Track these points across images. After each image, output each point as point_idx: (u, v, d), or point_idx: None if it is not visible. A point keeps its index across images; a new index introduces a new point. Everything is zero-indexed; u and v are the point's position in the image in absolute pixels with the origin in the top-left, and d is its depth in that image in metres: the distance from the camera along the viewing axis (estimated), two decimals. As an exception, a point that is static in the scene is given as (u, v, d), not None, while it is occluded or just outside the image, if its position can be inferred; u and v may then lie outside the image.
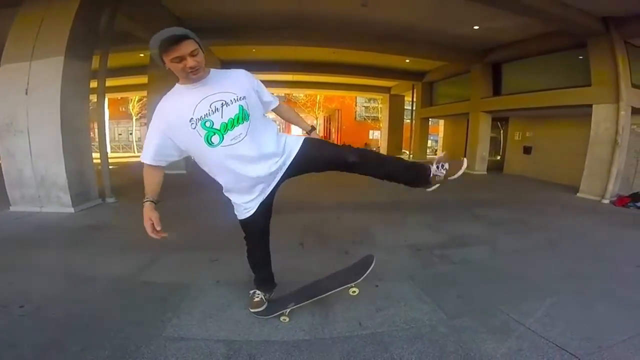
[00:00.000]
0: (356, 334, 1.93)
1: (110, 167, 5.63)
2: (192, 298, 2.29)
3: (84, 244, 3.40)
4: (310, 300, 2.04)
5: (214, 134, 1.57)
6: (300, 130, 2.11)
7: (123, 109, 26.75)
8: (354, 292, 1.99)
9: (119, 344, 1.76)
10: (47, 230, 3.86)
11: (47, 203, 4.56)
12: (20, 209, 4.54)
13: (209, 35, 9.18)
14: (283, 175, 1.79)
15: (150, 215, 1.65)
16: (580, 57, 7.35)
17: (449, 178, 1.83)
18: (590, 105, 6.83)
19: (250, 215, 1.81)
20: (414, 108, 16.28)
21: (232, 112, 1.58)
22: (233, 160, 1.63)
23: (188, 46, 1.46)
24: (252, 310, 2.08)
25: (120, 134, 27.84)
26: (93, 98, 5.62)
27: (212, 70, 1.64)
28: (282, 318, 2.03)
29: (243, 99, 1.62)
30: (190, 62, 1.48)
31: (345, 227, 4.15)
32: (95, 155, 5.31)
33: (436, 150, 23.37)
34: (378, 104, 28.04)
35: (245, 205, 1.79)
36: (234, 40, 9.42)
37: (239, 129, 1.60)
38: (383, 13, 7.53)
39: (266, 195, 1.80)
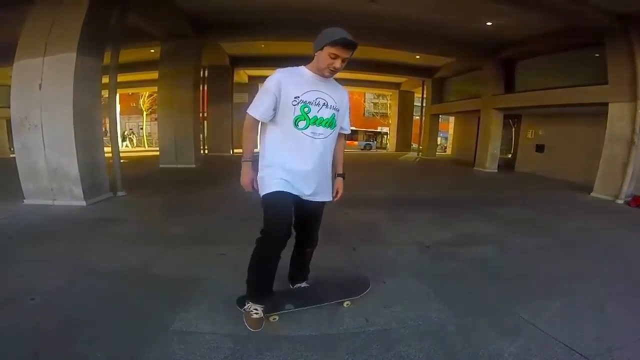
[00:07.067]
0: (363, 330, 1.92)
1: (121, 161, 5.69)
2: (200, 292, 2.30)
3: (95, 237, 3.46)
4: (307, 307, 2.04)
5: (303, 120, 1.81)
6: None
7: (134, 105, 27.14)
8: (347, 305, 2.13)
9: (127, 337, 1.79)
10: (59, 222, 3.93)
11: (59, 196, 4.65)
12: (34, 201, 4.63)
13: (217, 31, 9.23)
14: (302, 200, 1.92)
15: (251, 176, 1.90)
16: (597, 55, 7.17)
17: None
18: (606, 104, 6.67)
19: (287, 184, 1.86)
20: (424, 104, 16.13)
21: (326, 114, 1.86)
22: (304, 145, 1.83)
23: (349, 54, 1.76)
24: (251, 330, 1.84)
25: (131, 129, 28.27)
26: (105, 93, 5.70)
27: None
28: (271, 318, 1.94)
29: (337, 110, 1.91)
30: (338, 64, 1.77)
31: (353, 222, 4.14)
32: (107, 149, 5.39)
33: (445, 148, 23.11)
34: (387, 100, 27.87)
35: (295, 180, 1.86)
36: (242, 36, 9.44)
37: (323, 129, 1.86)
38: (393, 7, 7.45)
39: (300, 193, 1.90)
